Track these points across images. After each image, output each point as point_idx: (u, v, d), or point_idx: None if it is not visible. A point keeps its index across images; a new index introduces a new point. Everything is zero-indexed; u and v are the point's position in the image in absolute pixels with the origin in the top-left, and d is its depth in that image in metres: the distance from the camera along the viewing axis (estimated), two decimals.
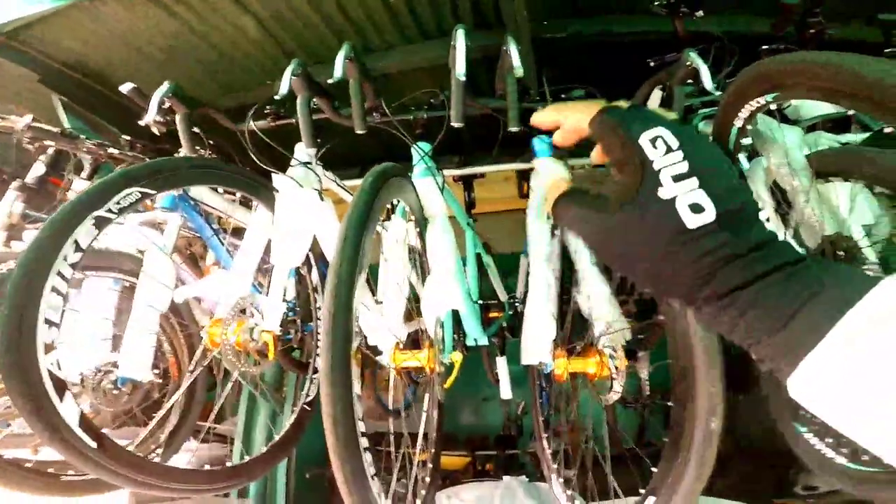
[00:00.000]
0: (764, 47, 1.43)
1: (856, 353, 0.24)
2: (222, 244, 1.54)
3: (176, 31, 1.87)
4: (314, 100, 1.42)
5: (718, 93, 1.25)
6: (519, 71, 1.25)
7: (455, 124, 1.32)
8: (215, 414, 1.54)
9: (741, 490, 2.27)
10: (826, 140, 1.23)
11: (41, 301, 0.85)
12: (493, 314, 1.92)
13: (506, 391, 1.73)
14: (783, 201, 1.13)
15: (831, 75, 0.70)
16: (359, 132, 1.41)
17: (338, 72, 1.31)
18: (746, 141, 1.15)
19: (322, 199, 1.45)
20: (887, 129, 1.19)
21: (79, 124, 2.04)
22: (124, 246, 1.37)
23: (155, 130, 1.43)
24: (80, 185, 1.67)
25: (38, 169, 1.75)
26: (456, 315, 1.41)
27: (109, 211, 0.99)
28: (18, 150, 1.75)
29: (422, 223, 1.39)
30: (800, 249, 0.30)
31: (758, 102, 0.91)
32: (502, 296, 2.04)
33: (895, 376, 0.22)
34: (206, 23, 1.87)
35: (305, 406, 1.50)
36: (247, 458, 1.30)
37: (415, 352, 1.14)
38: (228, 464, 1.26)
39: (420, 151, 1.49)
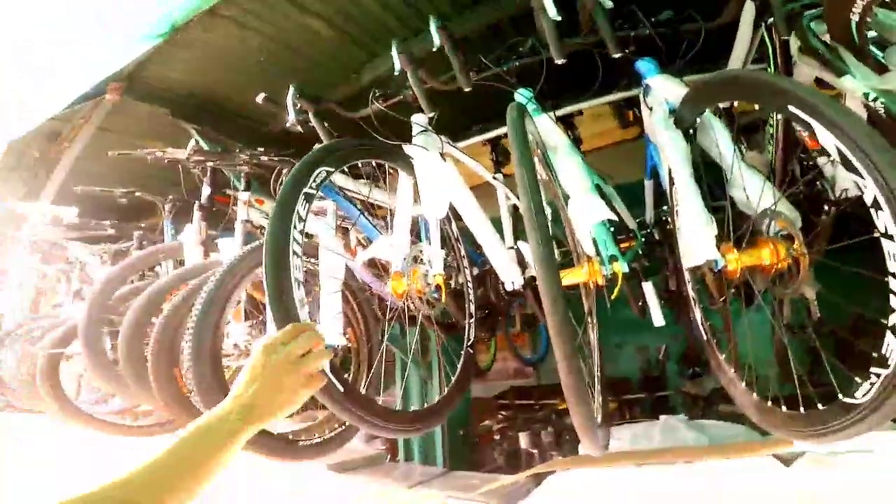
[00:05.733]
0: None
1: None
2: (368, 221, 1.72)
3: (259, 44, 2.03)
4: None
5: None
6: (608, 3, 1.31)
7: (558, 61, 1.37)
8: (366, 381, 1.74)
9: None
10: None
11: (290, 265, 1.05)
12: (625, 245, 1.90)
13: (657, 317, 1.71)
14: None
15: None
16: (466, 90, 1.51)
17: (436, 40, 1.43)
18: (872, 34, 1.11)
19: (444, 160, 1.56)
20: None
21: (213, 147, 2.31)
22: None
23: (299, 128, 1.63)
24: (244, 197, 1.94)
25: (206, 190, 2.07)
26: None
27: (311, 188, 1.18)
28: (184, 177, 2.08)
29: (546, 156, 1.45)
30: None
31: None
32: (631, 223, 2.00)
33: None
34: (281, 31, 2.00)
35: (469, 349, 1.64)
36: (436, 398, 1.46)
37: (572, 269, 1.20)
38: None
39: (526, 95, 1.56)
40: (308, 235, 1.59)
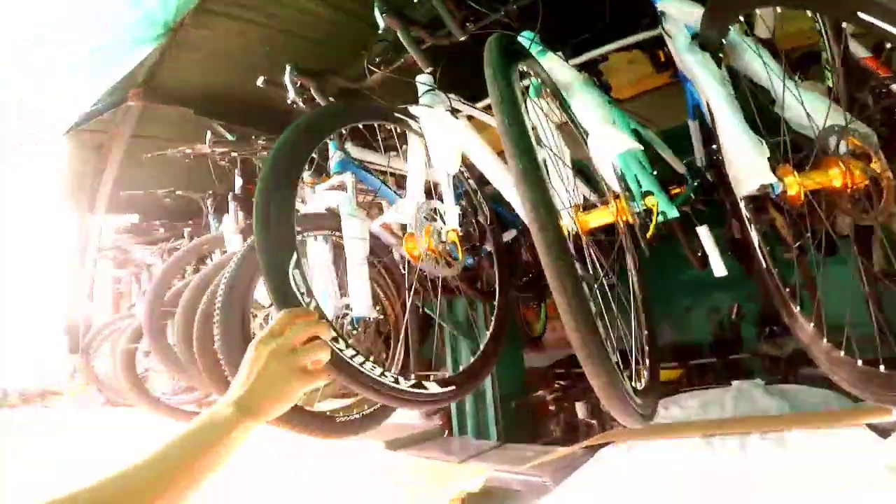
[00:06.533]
0: None
1: None
2: (390, 189, 1.67)
3: (259, 35, 2.02)
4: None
5: None
6: None
7: None
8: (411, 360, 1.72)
9: None
10: None
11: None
12: (675, 191, 1.73)
13: (718, 266, 1.52)
14: None
15: None
16: (461, 39, 1.42)
17: None
18: None
19: (456, 116, 1.50)
20: None
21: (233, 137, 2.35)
22: (320, 208, 1.59)
23: (301, 105, 1.60)
24: None
25: (239, 181, 2.13)
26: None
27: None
28: (215, 170, 2.14)
29: (560, 96, 1.35)
30: None
31: None
32: (679, 168, 1.81)
33: None
34: (276, 19, 1.98)
35: (500, 301, 1.61)
36: (471, 359, 1.40)
37: (598, 208, 1.07)
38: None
39: (528, 37, 1.45)
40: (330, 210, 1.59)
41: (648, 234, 1.10)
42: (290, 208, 1.04)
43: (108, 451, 2.96)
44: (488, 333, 1.51)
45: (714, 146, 1.74)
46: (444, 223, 1.26)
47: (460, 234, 1.26)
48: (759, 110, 1.15)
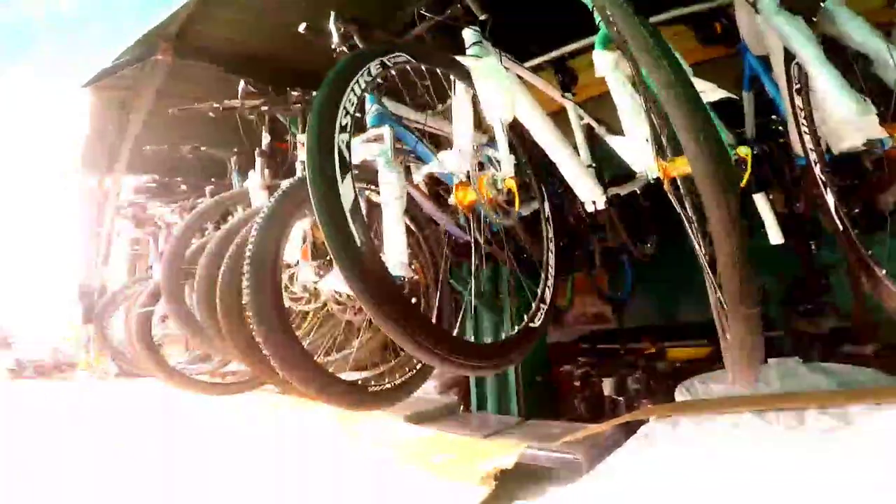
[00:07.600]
0: None
1: None
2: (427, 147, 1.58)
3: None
4: None
5: None
6: None
7: None
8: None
9: None
10: None
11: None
12: None
13: (774, 234, 1.45)
14: None
15: None
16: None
17: None
18: None
19: (506, 69, 1.41)
20: None
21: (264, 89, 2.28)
22: (354, 161, 1.49)
23: (346, 50, 1.51)
24: (301, 139, 1.88)
25: (266, 137, 2.05)
26: None
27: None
28: (243, 126, 2.06)
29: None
30: None
31: None
32: (730, 139, 1.74)
33: None
34: None
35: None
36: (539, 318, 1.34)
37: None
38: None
39: None
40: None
41: (742, 183, 1.02)
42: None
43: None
44: (537, 299, 1.44)
45: (773, 116, 1.68)
46: (500, 170, 1.17)
47: (518, 182, 1.18)
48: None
